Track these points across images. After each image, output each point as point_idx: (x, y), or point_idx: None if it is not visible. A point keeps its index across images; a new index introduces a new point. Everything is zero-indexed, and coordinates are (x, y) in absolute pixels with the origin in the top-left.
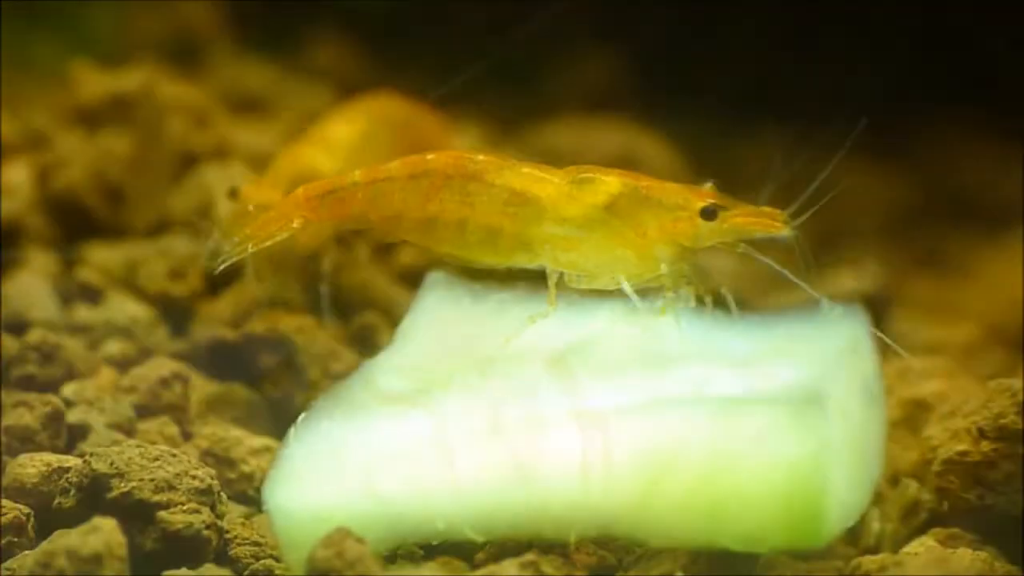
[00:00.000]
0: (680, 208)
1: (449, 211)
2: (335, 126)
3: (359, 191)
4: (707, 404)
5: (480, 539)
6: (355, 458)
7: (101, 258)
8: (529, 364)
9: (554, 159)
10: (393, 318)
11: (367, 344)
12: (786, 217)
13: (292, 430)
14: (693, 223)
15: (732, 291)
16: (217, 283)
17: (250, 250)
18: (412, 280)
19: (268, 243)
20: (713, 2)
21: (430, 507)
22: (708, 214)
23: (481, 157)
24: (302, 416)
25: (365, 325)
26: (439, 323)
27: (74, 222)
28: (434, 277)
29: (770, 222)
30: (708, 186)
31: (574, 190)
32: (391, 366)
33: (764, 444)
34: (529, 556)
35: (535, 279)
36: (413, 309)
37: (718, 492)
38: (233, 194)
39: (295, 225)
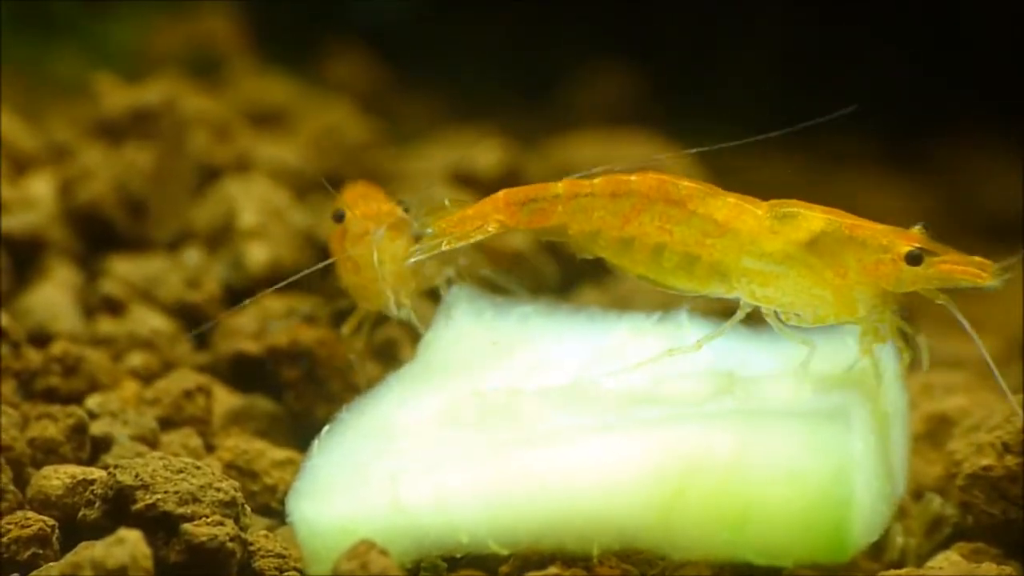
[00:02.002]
0: (884, 250)
1: (648, 234)
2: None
3: (560, 203)
4: (731, 417)
5: (504, 552)
6: (379, 471)
7: (124, 270)
8: (554, 377)
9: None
10: (416, 331)
11: (390, 357)
12: (995, 268)
13: (316, 442)
14: (897, 267)
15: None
16: (238, 296)
17: (444, 248)
18: (435, 293)
19: (462, 243)
20: (731, 15)
21: (454, 520)
22: (913, 259)
23: (686, 183)
24: (326, 429)
25: (388, 338)
26: (462, 336)
27: (97, 235)
28: (457, 291)
29: (977, 272)
30: (916, 229)
31: (776, 224)
32: (414, 379)
33: (788, 458)
34: (552, 569)
35: (558, 293)
36: (436, 322)
37: (741, 505)
38: (338, 216)
39: (491, 229)
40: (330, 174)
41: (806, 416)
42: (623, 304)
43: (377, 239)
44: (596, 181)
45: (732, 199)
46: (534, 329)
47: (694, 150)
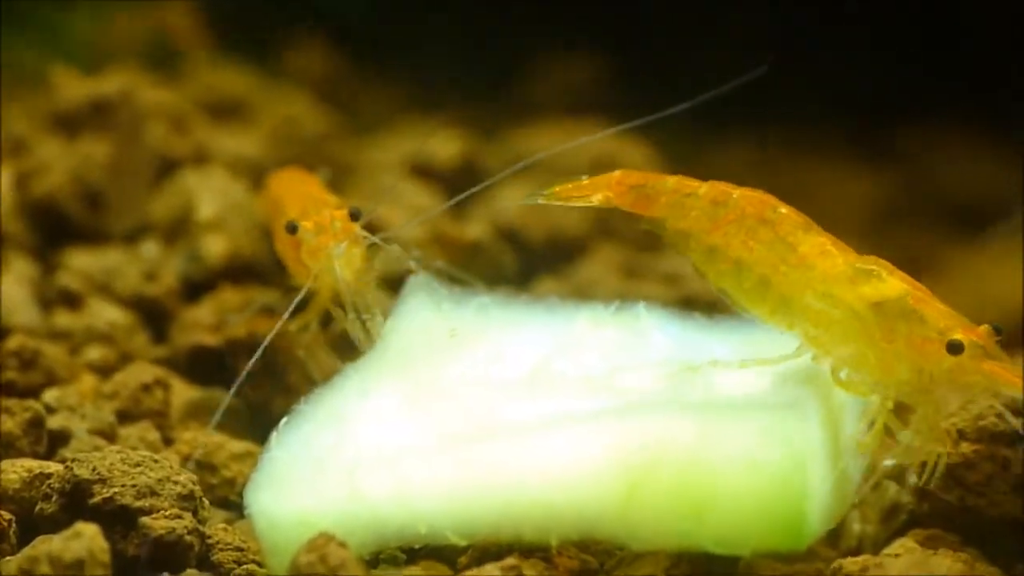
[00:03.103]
0: (936, 331)
1: (731, 246)
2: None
3: (664, 196)
4: (689, 408)
5: (462, 543)
6: (337, 463)
7: (81, 263)
8: (512, 368)
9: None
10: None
11: (347, 348)
12: None
13: (274, 435)
14: (939, 351)
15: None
16: (196, 288)
17: (552, 202)
18: (392, 283)
19: (567, 204)
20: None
21: (413, 511)
22: (953, 348)
23: (785, 209)
24: (284, 421)
25: (345, 329)
26: (420, 326)
27: (54, 227)
28: (415, 280)
29: (1020, 384)
30: (985, 327)
31: (853, 275)
32: (373, 370)
33: (746, 448)
34: (511, 560)
35: (516, 283)
36: (394, 312)
37: (700, 495)
38: (291, 228)
39: (595, 200)
40: (310, 168)
41: (764, 407)
42: (581, 294)
43: (337, 255)
44: (704, 184)
45: (822, 238)
46: (492, 320)
47: (620, 127)
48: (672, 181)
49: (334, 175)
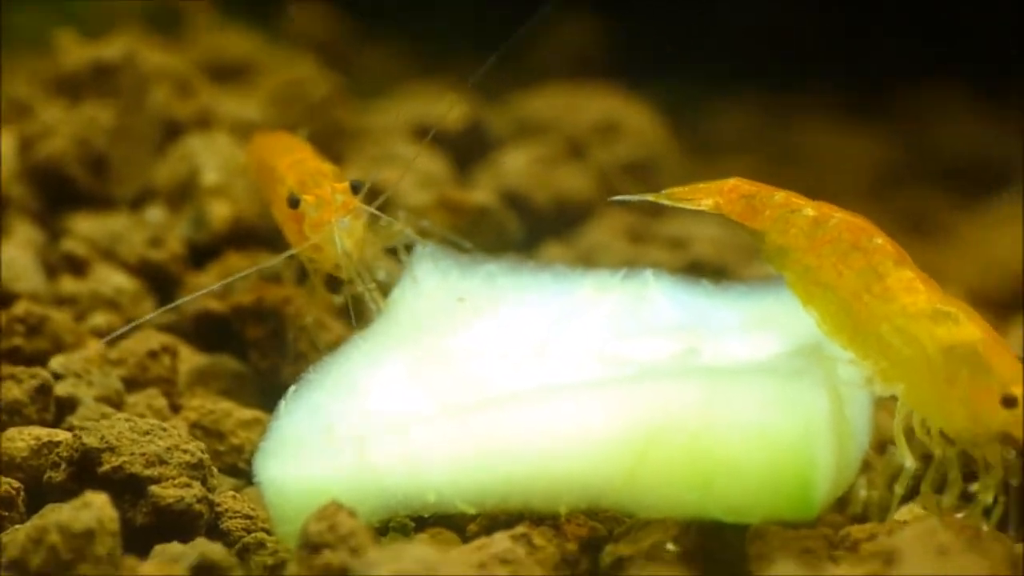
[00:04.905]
0: (996, 382)
1: (822, 268)
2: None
3: (770, 209)
4: (697, 375)
5: (471, 511)
6: (346, 431)
7: (86, 229)
8: (520, 336)
9: (538, 127)
10: (382, 290)
11: (356, 315)
12: None
13: (282, 403)
14: (993, 401)
15: (714, 259)
16: (202, 254)
17: (666, 202)
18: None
19: (679, 205)
20: None
21: (422, 480)
22: (1007, 402)
23: (882, 240)
24: (292, 388)
25: (353, 297)
26: (428, 295)
27: (58, 192)
28: (422, 249)
29: None
30: None
31: (932, 315)
32: (381, 339)
33: (754, 416)
34: (520, 528)
35: (522, 249)
36: (401, 282)
37: (708, 463)
38: (293, 203)
39: (703, 206)
40: (292, 129)
41: (773, 374)
42: (587, 260)
43: (341, 228)
44: (812, 203)
45: (912, 274)
46: (500, 288)
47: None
48: (780, 196)
49: (338, 139)
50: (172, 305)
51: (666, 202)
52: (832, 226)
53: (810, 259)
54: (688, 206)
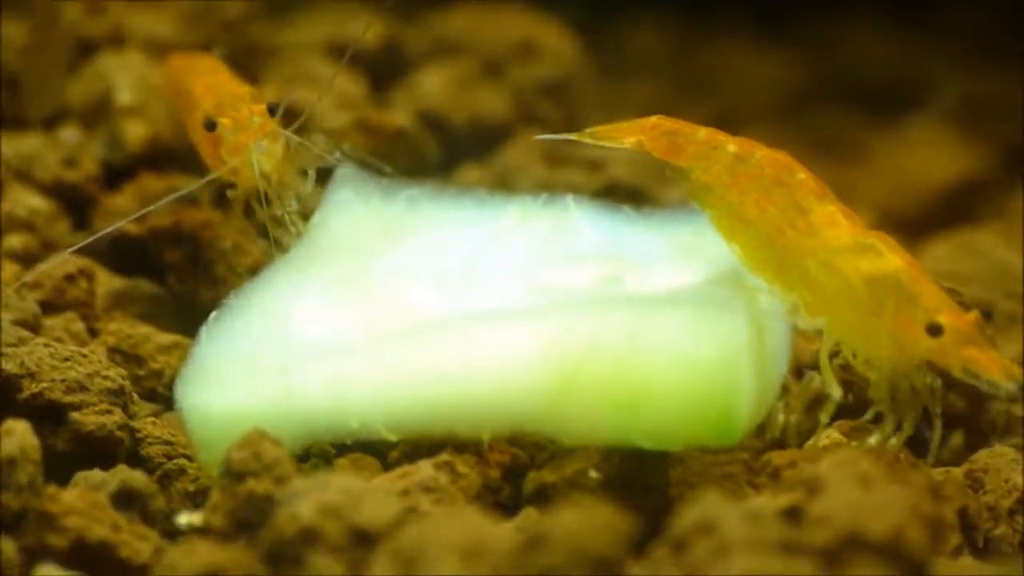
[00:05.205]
0: (921, 311)
1: (745, 204)
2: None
3: (693, 146)
4: (621, 304)
5: (394, 438)
6: (269, 357)
7: None
8: (443, 262)
9: (455, 47)
10: (302, 213)
11: (275, 240)
12: (1021, 375)
13: (203, 329)
14: (918, 331)
15: (631, 181)
16: (117, 175)
17: (588, 141)
18: (321, 175)
19: (601, 143)
20: None
21: (344, 406)
22: (932, 330)
23: (804, 175)
24: (213, 314)
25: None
26: (349, 219)
27: None
28: (343, 173)
29: (999, 370)
30: (975, 313)
31: (855, 248)
32: (303, 264)
33: (677, 343)
34: (443, 455)
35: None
36: (323, 204)
37: (631, 390)
38: (209, 126)
39: (626, 144)
40: (206, 48)
41: (696, 302)
42: (504, 183)
43: (259, 152)
44: (734, 139)
45: (834, 208)
46: (422, 212)
47: None
48: (703, 133)
49: (253, 58)
50: (97, 236)
51: (588, 141)
52: (755, 162)
53: (733, 195)
54: (610, 144)
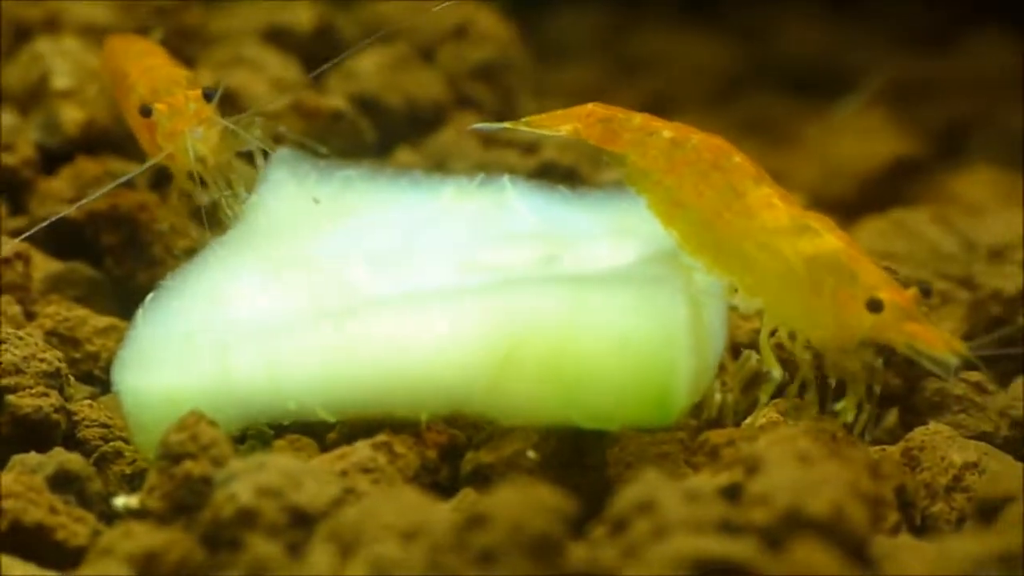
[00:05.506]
0: (861, 288)
1: (682, 188)
2: None
3: (628, 133)
4: (558, 283)
5: (332, 419)
6: (206, 339)
7: None
8: (379, 243)
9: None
10: (238, 196)
11: (212, 221)
12: (963, 348)
13: (140, 310)
14: (858, 307)
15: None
16: (53, 159)
17: (524, 129)
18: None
19: (537, 131)
20: None
21: (282, 388)
22: (872, 306)
23: (740, 159)
24: (150, 296)
25: (209, 201)
26: (285, 201)
27: None
28: (279, 155)
29: (941, 344)
30: (913, 289)
31: (793, 229)
32: (240, 245)
33: (614, 323)
34: (381, 436)
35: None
36: (259, 187)
37: (568, 370)
38: (145, 112)
39: (562, 131)
40: (144, 32)
41: (632, 281)
42: (440, 165)
43: (194, 137)
44: (670, 124)
45: (770, 190)
46: (358, 193)
47: None
48: (638, 119)
49: (189, 42)
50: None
51: (524, 129)
52: (691, 147)
53: (670, 180)
54: (547, 132)
